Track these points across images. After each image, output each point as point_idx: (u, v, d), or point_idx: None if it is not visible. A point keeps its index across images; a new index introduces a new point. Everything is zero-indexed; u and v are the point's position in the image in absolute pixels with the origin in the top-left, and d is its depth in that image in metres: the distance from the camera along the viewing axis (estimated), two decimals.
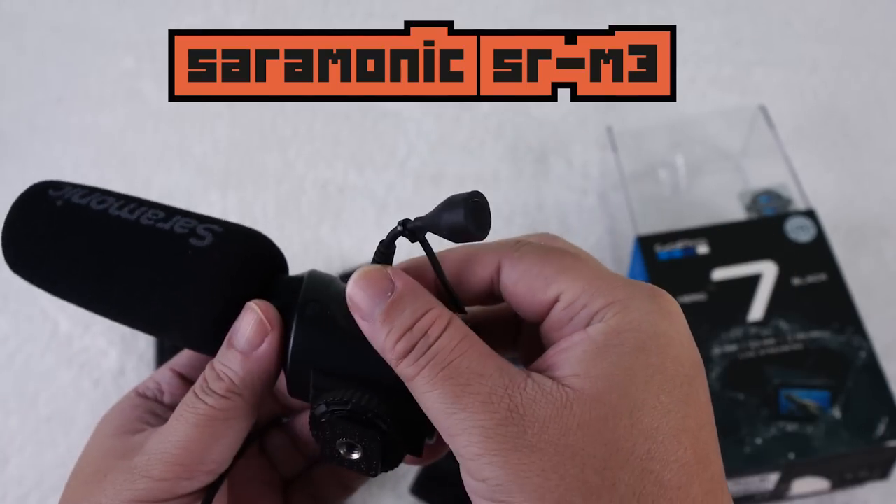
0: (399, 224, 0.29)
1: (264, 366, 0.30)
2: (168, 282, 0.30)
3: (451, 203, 0.28)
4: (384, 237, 0.29)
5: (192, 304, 0.30)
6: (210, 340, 0.31)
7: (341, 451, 0.29)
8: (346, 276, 0.30)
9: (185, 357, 0.35)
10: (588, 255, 0.30)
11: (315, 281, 0.31)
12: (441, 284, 0.30)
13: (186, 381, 0.35)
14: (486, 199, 0.28)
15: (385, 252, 0.29)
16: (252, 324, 0.30)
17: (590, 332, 0.26)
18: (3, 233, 0.33)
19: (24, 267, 0.33)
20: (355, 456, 0.29)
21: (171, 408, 0.32)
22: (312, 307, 0.30)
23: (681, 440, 0.25)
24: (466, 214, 0.27)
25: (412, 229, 0.28)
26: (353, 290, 0.28)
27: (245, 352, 0.30)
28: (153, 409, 0.33)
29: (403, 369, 0.27)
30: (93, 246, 0.31)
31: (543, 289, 0.28)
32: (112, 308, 0.32)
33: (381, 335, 0.27)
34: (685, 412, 0.26)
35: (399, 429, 0.29)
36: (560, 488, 0.24)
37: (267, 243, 0.32)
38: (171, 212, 0.31)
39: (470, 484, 0.26)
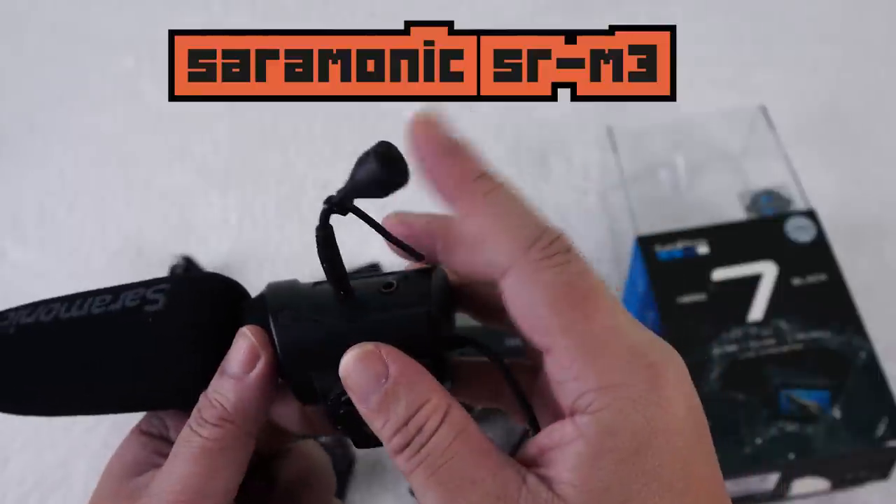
0: (324, 204, 0.28)
1: (258, 389, 0.29)
2: (144, 357, 0.30)
3: (362, 160, 0.27)
4: (316, 223, 0.28)
5: (177, 364, 0.30)
6: (197, 394, 0.31)
7: (370, 432, 0.29)
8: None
9: None
10: (602, 293, 0.26)
11: (277, 291, 0.31)
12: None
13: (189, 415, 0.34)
14: (393, 145, 0.27)
15: (325, 238, 0.28)
16: (244, 349, 0.29)
17: (582, 429, 0.25)
18: None
19: (4, 405, 0.32)
20: None
21: None
22: (285, 315, 0.30)
23: None
24: (380, 163, 0.26)
25: (338, 202, 0.28)
26: (346, 370, 0.27)
27: (238, 377, 0.29)
28: (160, 448, 0.32)
29: (400, 464, 0.26)
30: (61, 359, 0.30)
31: (540, 331, 0.26)
32: (105, 406, 0.32)
33: (377, 424, 0.26)
34: None
35: None
36: None
37: (219, 278, 0.32)
38: (116, 292, 0.31)
39: None
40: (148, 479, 0.31)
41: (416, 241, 0.29)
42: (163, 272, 0.73)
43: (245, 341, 0.30)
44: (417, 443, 0.25)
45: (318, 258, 0.30)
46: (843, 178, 0.77)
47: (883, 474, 0.57)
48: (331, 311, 0.29)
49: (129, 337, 0.30)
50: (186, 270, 0.72)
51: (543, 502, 0.24)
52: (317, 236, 0.28)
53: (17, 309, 0.32)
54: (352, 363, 0.27)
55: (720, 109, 0.77)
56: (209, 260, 0.75)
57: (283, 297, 0.31)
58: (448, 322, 0.30)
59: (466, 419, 0.26)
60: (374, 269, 0.70)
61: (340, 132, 0.85)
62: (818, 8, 0.91)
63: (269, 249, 0.77)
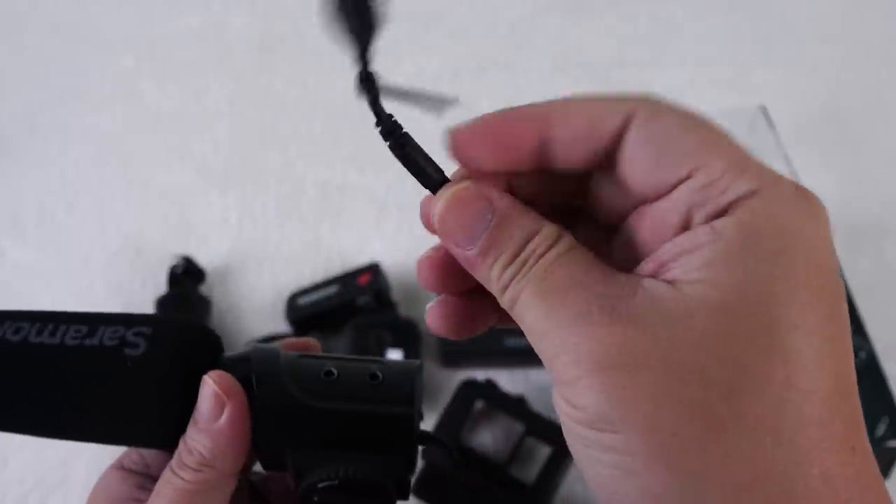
0: (360, 88, 0.26)
1: (229, 437, 0.29)
2: (118, 404, 0.30)
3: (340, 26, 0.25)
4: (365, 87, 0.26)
5: (153, 412, 0.30)
6: (175, 437, 0.31)
7: None
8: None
9: None
10: (723, 128, 0.24)
11: (262, 356, 0.30)
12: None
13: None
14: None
15: (391, 134, 0.26)
16: (208, 398, 0.29)
17: (719, 230, 0.21)
18: None
19: None
20: None
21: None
22: (270, 387, 0.29)
23: (824, 367, 0.21)
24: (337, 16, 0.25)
25: (364, 75, 0.26)
26: (443, 214, 0.24)
27: (206, 427, 0.29)
28: (142, 482, 0.32)
29: (506, 297, 0.23)
30: (28, 386, 0.30)
31: (676, 159, 0.23)
32: (70, 436, 0.31)
33: (483, 267, 0.24)
34: (831, 334, 0.21)
35: (386, 480, 0.29)
36: (676, 416, 0.20)
37: (200, 330, 0.32)
38: (93, 324, 0.30)
39: (569, 414, 0.22)
40: None
41: (511, 132, 0.26)
42: (162, 272, 0.73)
43: (208, 389, 0.29)
44: (528, 268, 0.23)
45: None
46: (843, 178, 0.77)
47: (883, 474, 0.57)
48: (317, 392, 0.29)
49: (105, 379, 0.29)
50: (186, 270, 0.72)
51: (664, 295, 0.21)
52: (387, 141, 0.26)
53: None
54: (451, 201, 0.24)
55: (720, 109, 0.77)
56: (209, 259, 0.75)
57: (268, 365, 0.30)
58: (421, 419, 0.30)
59: (574, 242, 0.23)
60: (373, 269, 0.70)
61: (340, 132, 0.85)
62: (818, 8, 0.91)
63: (268, 249, 0.77)
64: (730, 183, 0.22)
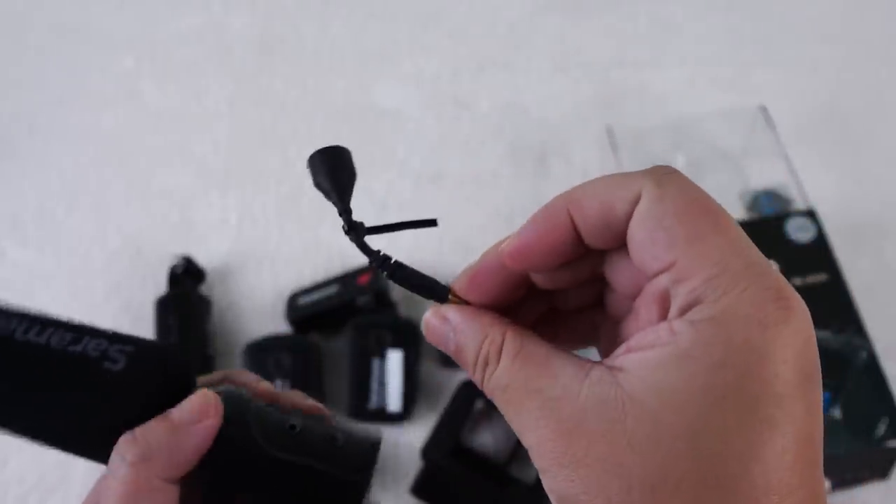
0: (348, 235, 0.29)
1: (191, 442, 0.30)
2: (82, 410, 0.31)
3: (315, 182, 0.29)
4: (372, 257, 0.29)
5: (110, 429, 0.31)
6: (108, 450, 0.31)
7: None
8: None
9: None
10: (729, 218, 0.25)
11: (231, 399, 0.32)
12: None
13: None
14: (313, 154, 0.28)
15: (383, 263, 0.29)
16: (197, 402, 0.30)
17: (677, 331, 0.23)
18: None
19: None
20: None
21: None
22: (235, 427, 0.31)
23: (748, 467, 0.23)
24: (315, 167, 0.28)
25: (348, 223, 0.29)
26: (425, 330, 0.29)
27: (178, 422, 0.30)
28: None
29: (486, 393, 0.28)
30: (8, 374, 0.31)
31: (661, 249, 0.24)
32: (18, 430, 0.32)
33: (461, 364, 0.29)
34: (762, 437, 0.23)
35: None
36: None
37: (179, 357, 0.33)
38: (78, 333, 0.31)
39: (548, 489, 0.26)
40: None
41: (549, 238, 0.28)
42: (162, 272, 0.73)
43: (201, 395, 0.31)
44: (489, 373, 0.27)
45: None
46: (843, 178, 0.77)
47: (883, 474, 0.57)
48: (279, 442, 0.31)
49: (79, 385, 0.31)
50: (186, 270, 0.72)
51: (605, 397, 0.24)
52: (378, 270, 0.29)
53: None
54: (424, 326, 0.29)
55: (720, 109, 0.77)
56: (209, 259, 0.75)
57: (237, 406, 0.32)
58: (370, 489, 0.32)
59: (522, 340, 0.27)
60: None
61: (340, 132, 0.85)
62: (818, 8, 0.91)
63: (268, 249, 0.77)
64: (701, 283, 0.23)
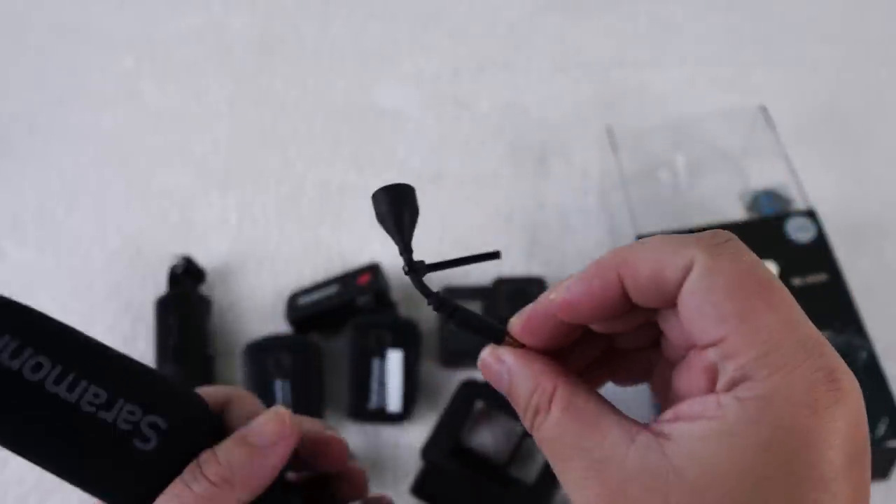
0: (408, 274, 0.29)
1: (269, 464, 0.30)
2: (107, 477, 0.31)
3: (379, 217, 0.30)
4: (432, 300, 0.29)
5: (135, 496, 0.31)
6: None
7: None
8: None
9: None
10: (779, 285, 0.25)
11: None
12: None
13: None
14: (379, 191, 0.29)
15: (441, 305, 0.29)
16: (276, 422, 0.31)
17: (724, 405, 0.23)
18: None
19: None
20: None
21: None
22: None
23: None
24: (381, 203, 0.29)
25: (408, 263, 0.29)
26: (483, 373, 0.30)
27: (257, 442, 0.30)
28: None
29: (535, 440, 0.28)
30: (29, 434, 0.30)
31: (711, 323, 0.24)
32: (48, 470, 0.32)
33: (514, 406, 0.29)
34: None
35: None
36: None
37: (212, 421, 0.33)
38: (114, 392, 0.30)
39: None
40: None
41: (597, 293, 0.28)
42: (162, 272, 0.73)
43: (282, 415, 0.31)
44: (538, 422, 0.27)
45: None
46: (843, 178, 0.77)
47: (883, 474, 0.57)
48: None
49: (106, 458, 0.30)
50: (186, 270, 0.72)
51: (650, 466, 0.24)
52: (437, 310, 0.29)
53: (11, 330, 0.29)
54: (481, 363, 0.30)
55: (720, 109, 0.77)
56: (209, 259, 0.75)
57: None
58: None
59: (572, 394, 0.27)
60: (374, 269, 0.70)
61: (340, 132, 0.85)
62: (818, 8, 0.91)
63: (268, 249, 0.77)
64: (750, 361, 0.23)
